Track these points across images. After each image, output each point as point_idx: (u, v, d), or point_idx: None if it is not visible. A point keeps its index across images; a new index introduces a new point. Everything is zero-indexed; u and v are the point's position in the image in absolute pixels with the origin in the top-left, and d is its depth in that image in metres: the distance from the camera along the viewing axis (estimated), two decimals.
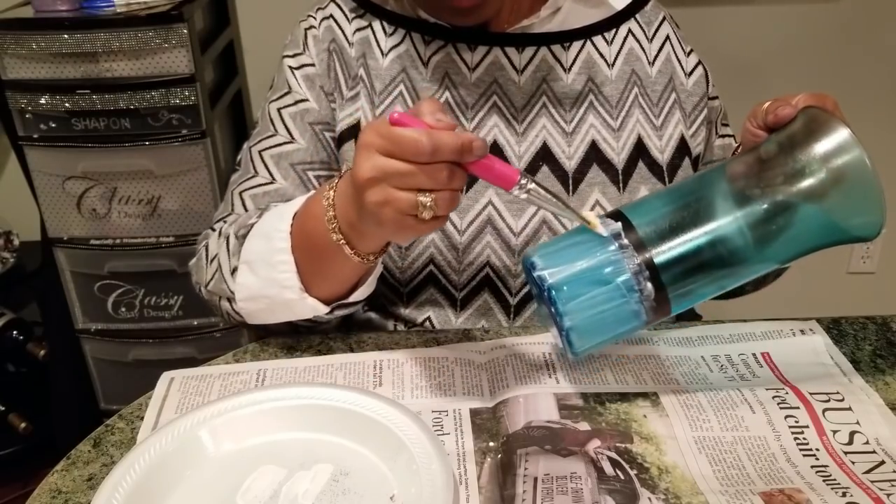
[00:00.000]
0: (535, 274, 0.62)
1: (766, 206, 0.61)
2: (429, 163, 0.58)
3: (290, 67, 0.89)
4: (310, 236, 0.71)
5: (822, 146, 0.60)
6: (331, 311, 0.76)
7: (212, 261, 0.82)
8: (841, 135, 0.60)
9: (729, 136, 0.97)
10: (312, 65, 0.88)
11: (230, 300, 0.79)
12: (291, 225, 0.73)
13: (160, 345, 1.76)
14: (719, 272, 0.63)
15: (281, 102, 0.89)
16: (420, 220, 0.60)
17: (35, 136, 1.58)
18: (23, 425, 1.85)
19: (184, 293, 1.72)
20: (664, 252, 0.61)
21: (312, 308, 0.75)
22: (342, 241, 0.68)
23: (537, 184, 0.61)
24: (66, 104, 1.54)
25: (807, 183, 0.60)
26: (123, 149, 1.58)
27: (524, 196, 0.61)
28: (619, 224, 0.62)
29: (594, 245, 0.62)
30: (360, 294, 0.77)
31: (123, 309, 1.73)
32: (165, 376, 0.75)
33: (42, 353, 1.85)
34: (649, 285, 0.61)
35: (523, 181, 0.61)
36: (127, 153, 1.58)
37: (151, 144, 1.58)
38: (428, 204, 0.59)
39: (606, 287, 0.61)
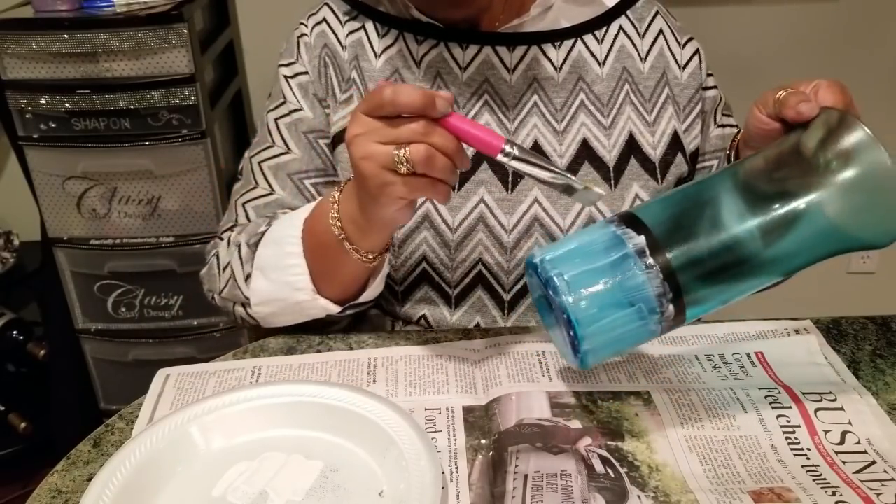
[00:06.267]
0: (557, 299, 0.57)
1: (786, 211, 0.59)
2: (398, 116, 0.62)
3: (285, 77, 0.91)
4: (317, 236, 0.75)
5: (848, 153, 0.59)
6: (342, 311, 0.80)
7: (224, 269, 0.85)
8: (868, 143, 0.58)
9: (731, 125, 0.95)
10: (306, 72, 0.90)
11: (245, 305, 0.83)
12: (302, 230, 0.77)
13: (160, 345, 1.76)
14: (734, 283, 0.60)
15: (277, 112, 0.91)
16: (399, 175, 0.63)
17: (35, 136, 1.59)
18: (23, 425, 1.85)
19: (184, 293, 1.72)
20: (686, 268, 0.57)
21: (324, 308, 0.78)
22: (342, 236, 0.72)
23: (522, 149, 0.63)
24: (66, 104, 1.55)
25: (829, 189, 0.58)
26: (123, 149, 1.59)
27: (513, 163, 0.63)
28: (643, 239, 0.57)
29: (615, 259, 0.57)
30: (370, 294, 0.80)
31: (123, 309, 1.74)
32: (161, 373, 0.76)
33: (42, 353, 1.86)
34: (671, 307, 0.57)
35: (508, 147, 0.62)
36: (127, 153, 1.59)
37: (151, 144, 1.58)
38: (402, 156, 0.62)
39: (629, 310, 0.57)
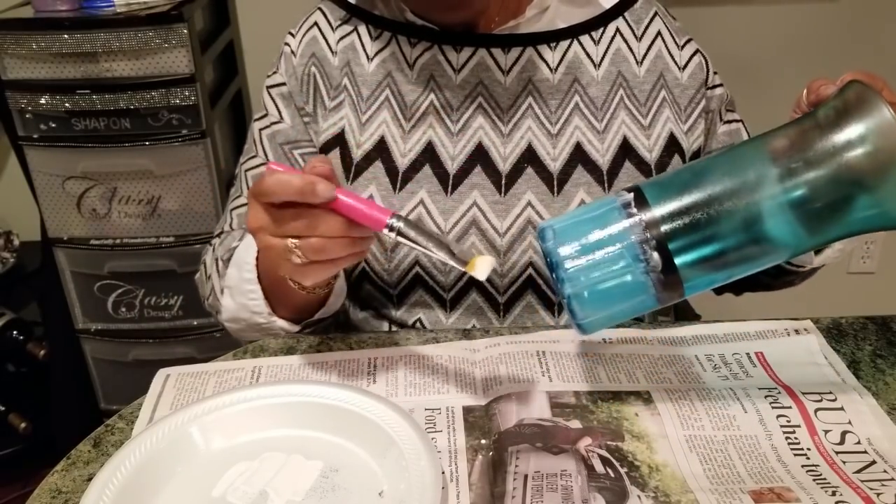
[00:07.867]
0: (543, 246, 0.61)
1: (795, 183, 0.58)
2: (280, 206, 0.62)
3: (267, 87, 0.92)
4: (265, 266, 0.77)
5: (861, 124, 0.57)
6: (301, 330, 0.82)
7: (209, 278, 0.88)
8: (882, 113, 0.56)
9: (736, 121, 0.95)
10: (284, 83, 0.91)
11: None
12: (256, 257, 0.78)
13: (160, 345, 1.76)
14: (734, 253, 0.60)
15: (260, 123, 0.93)
16: (299, 266, 0.63)
17: (35, 136, 1.59)
18: (23, 425, 1.85)
19: (184, 293, 1.72)
20: (674, 222, 0.59)
21: (282, 328, 0.81)
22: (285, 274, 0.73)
23: (407, 223, 0.62)
24: (66, 104, 1.55)
25: (842, 162, 0.57)
26: (123, 149, 1.59)
27: (396, 238, 0.62)
28: (631, 195, 0.60)
29: (604, 216, 0.61)
30: (323, 313, 0.82)
31: (123, 309, 1.74)
32: (161, 373, 0.76)
33: (42, 353, 1.85)
34: (655, 255, 0.58)
35: (393, 222, 0.62)
36: (127, 153, 1.59)
37: (151, 144, 1.58)
38: (293, 249, 0.62)
39: (610, 254, 0.59)
